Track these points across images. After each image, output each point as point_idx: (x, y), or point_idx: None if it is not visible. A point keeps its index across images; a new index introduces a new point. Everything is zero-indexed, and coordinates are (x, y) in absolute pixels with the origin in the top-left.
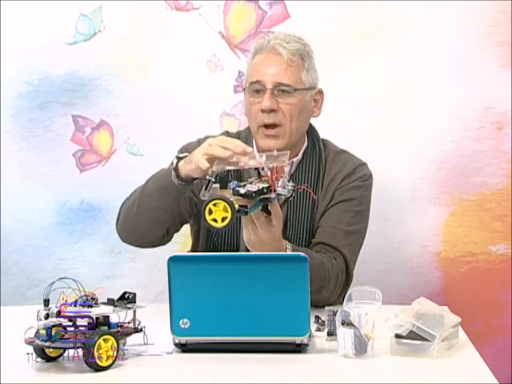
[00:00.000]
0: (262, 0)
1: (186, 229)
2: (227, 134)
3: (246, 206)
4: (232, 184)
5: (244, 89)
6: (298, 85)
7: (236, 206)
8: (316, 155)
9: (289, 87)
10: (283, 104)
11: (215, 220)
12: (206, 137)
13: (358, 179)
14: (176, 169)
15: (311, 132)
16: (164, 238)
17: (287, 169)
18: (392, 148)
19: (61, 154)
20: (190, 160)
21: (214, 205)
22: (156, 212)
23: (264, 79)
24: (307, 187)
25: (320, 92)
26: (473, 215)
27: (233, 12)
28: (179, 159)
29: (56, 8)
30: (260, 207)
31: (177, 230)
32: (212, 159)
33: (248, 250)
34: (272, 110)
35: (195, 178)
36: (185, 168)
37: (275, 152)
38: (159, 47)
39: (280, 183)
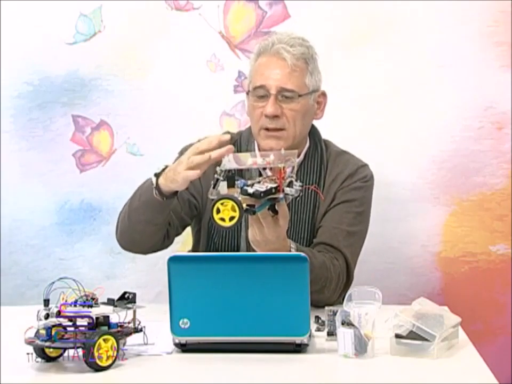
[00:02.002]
0: (262, 0)
1: (186, 228)
2: (228, 134)
3: (253, 206)
4: (240, 183)
5: (247, 93)
6: (302, 89)
7: (244, 206)
8: (317, 156)
9: (293, 93)
10: (287, 110)
11: (222, 219)
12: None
13: (360, 180)
14: (157, 186)
15: (313, 133)
16: (165, 242)
17: (289, 169)
18: (392, 147)
19: (61, 154)
20: (173, 179)
21: (222, 204)
22: (145, 225)
23: (268, 84)
24: (316, 187)
25: (323, 94)
26: (473, 215)
27: (233, 11)
28: (157, 176)
29: (56, 8)
30: (267, 207)
31: (179, 233)
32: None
33: (249, 250)
34: (276, 116)
35: (177, 192)
36: (168, 187)
37: (282, 151)
38: (159, 47)
39: (287, 182)
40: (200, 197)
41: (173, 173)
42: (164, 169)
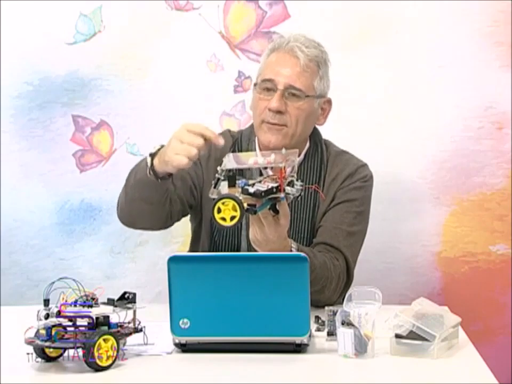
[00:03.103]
0: (262, 0)
1: (186, 228)
2: (229, 132)
3: (254, 205)
4: (241, 182)
5: (255, 84)
6: (310, 91)
7: (245, 205)
8: (318, 156)
9: (300, 92)
10: (291, 107)
11: (224, 219)
12: None
13: (359, 180)
14: (152, 166)
15: (314, 133)
16: (168, 222)
17: (289, 169)
18: (392, 148)
19: (61, 154)
20: (164, 161)
21: (223, 203)
22: (140, 203)
23: (277, 79)
24: (317, 187)
25: (329, 102)
26: (473, 215)
27: (233, 12)
28: (152, 156)
29: (56, 8)
30: (268, 206)
31: (179, 219)
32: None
33: (250, 249)
34: (279, 112)
35: (172, 174)
36: (161, 168)
37: (283, 151)
38: (159, 47)
39: (288, 181)
40: (200, 190)
41: (164, 155)
42: (159, 149)
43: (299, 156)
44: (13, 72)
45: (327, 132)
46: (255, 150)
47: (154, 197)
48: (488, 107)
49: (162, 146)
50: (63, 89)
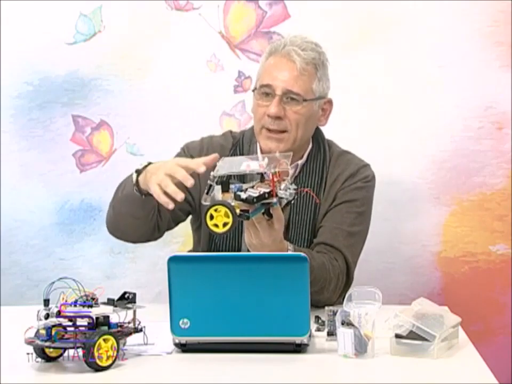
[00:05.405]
0: (262, 0)
1: (186, 228)
2: (230, 133)
3: (247, 211)
4: (234, 188)
5: (253, 90)
6: (308, 94)
7: (238, 211)
8: (320, 157)
9: (298, 96)
10: (290, 112)
11: (216, 225)
12: (210, 137)
13: (361, 180)
14: (137, 183)
15: (317, 134)
16: (155, 234)
17: (291, 171)
18: (392, 148)
19: (61, 154)
20: (147, 186)
21: (215, 210)
22: (127, 217)
23: (274, 84)
24: (310, 190)
25: (330, 102)
26: (473, 215)
27: (233, 12)
28: (139, 172)
29: (56, 8)
30: (262, 211)
31: (171, 227)
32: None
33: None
34: (278, 117)
35: None
36: (146, 186)
37: (277, 154)
38: (159, 47)
39: (282, 186)
40: (197, 194)
41: (149, 176)
42: (146, 166)
43: (302, 157)
44: (13, 72)
45: (327, 131)
46: (256, 152)
47: (140, 213)
48: (488, 107)
49: (149, 163)
50: (63, 89)
